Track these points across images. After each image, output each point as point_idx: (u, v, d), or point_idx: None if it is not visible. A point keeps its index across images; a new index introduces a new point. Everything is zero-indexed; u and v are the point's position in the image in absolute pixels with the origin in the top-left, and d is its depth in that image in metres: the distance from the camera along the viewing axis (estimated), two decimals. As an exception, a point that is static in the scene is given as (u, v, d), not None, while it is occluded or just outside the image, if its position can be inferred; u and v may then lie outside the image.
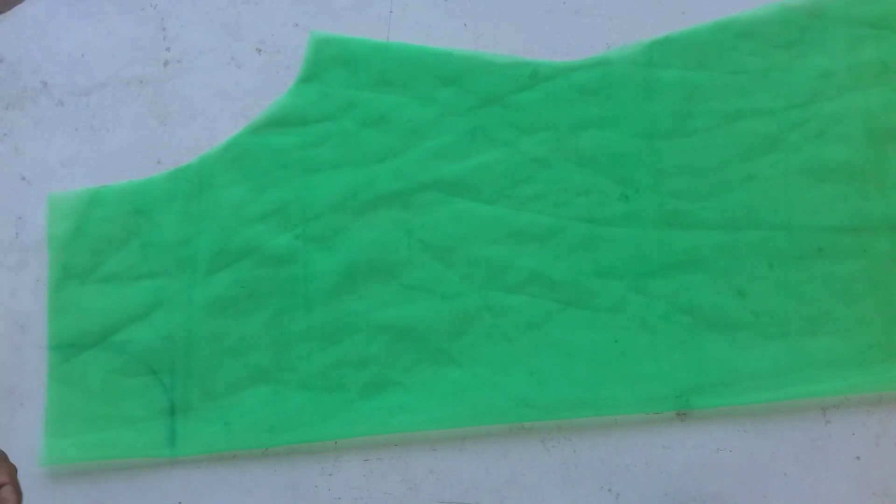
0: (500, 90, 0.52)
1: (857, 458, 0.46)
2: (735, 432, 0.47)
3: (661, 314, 0.49)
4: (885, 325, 0.47)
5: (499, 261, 0.50)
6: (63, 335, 0.52)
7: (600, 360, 0.48)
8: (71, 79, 0.57)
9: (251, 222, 0.52)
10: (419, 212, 0.51)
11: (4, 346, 0.53)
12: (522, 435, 0.48)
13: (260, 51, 0.56)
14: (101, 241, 0.53)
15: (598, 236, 0.50)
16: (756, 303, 0.48)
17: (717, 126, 0.50)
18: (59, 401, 0.51)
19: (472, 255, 0.50)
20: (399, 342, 0.50)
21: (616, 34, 0.53)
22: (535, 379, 0.48)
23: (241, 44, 0.56)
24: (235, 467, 0.50)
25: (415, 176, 0.52)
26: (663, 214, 0.50)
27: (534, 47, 0.53)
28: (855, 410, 0.47)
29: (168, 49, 0.57)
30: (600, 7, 0.53)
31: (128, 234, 0.53)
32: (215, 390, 0.50)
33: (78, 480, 0.50)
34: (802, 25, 0.51)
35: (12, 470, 0.43)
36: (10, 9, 0.59)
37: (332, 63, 0.54)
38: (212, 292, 0.51)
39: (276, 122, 0.53)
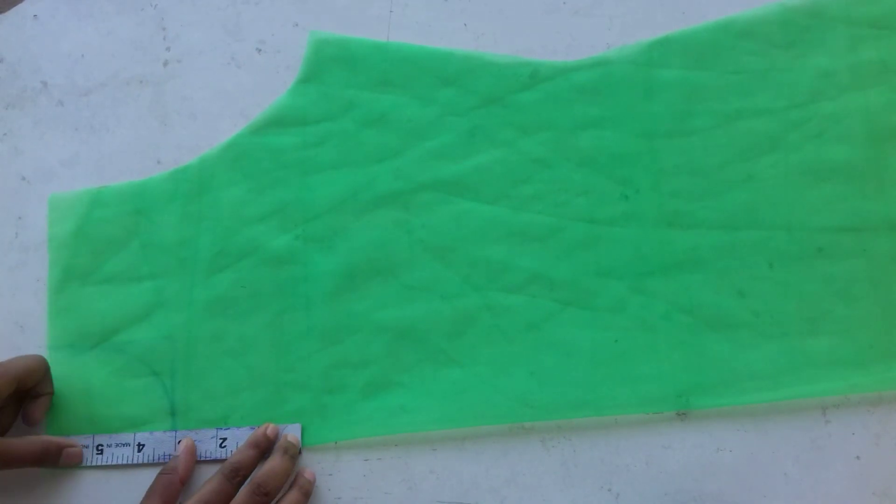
0: (500, 90, 0.52)
1: (857, 457, 0.46)
2: (735, 432, 0.47)
3: (661, 314, 0.49)
4: (885, 325, 0.47)
5: (499, 261, 0.50)
6: (63, 336, 0.52)
7: (600, 360, 0.48)
8: (71, 79, 0.57)
9: (251, 222, 0.52)
10: (419, 212, 0.51)
11: (4, 346, 0.53)
12: (522, 435, 0.48)
13: (260, 51, 0.56)
14: (101, 242, 0.53)
15: (598, 236, 0.50)
16: (756, 303, 0.48)
17: (717, 126, 0.50)
18: (58, 401, 0.51)
19: (473, 255, 0.50)
20: (399, 342, 0.50)
21: (616, 34, 0.53)
22: (535, 379, 0.48)
23: (241, 44, 0.56)
24: (235, 467, 0.50)
25: (415, 176, 0.52)
26: (663, 214, 0.50)
27: (534, 47, 0.53)
28: (855, 410, 0.47)
29: (168, 49, 0.57)
30: (600, 7, 0.53)
31: (128, 235, 0.53)
32: (215, 391, 0.50)
33: (78, 480, 0.50)
34: (802, 25, 0.51)
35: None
36: (9, 9, 0.59)
37: (331, 63, 0.54)
38: (212, 293, 0.51)
39: (276, 123, 0.53)
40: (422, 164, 0.52)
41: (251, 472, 0.47)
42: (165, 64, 0.56)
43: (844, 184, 0.49)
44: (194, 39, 0.57)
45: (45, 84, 0.57)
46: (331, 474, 0.49)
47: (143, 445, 0.50)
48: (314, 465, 0.49)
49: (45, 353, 0.52)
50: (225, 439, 0.49)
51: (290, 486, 0.47)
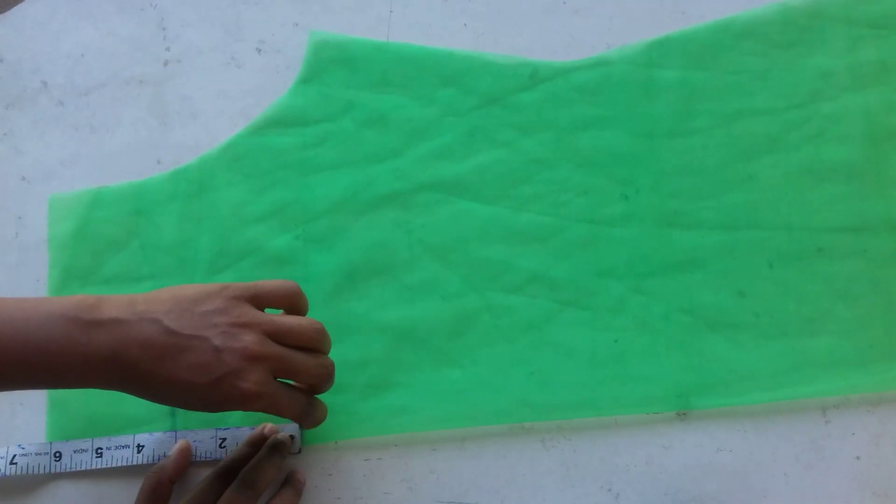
0: (500, 90, 0.52)
1: (857, 458, 0.46)
2: (735, 432, 0.47)
3: (661, 314, 0.49)
4: (885, 325, 0.47)
5: (499, 261, 0.50)
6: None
7: (600, 360, 0.48)
8: (71, 79, 0.57)
9: (251, 223, 0.52)
10: (419, 212, 0.51)
11: (4, 346, 0.53)
12: (522, 435, 0.48)
13: (260, 51, 0.56)
14: (101, 243, 0.53)
15: (598, 236, 0.50)
16: (756, 303, 0.48)
17: (717, 126, 0.50)
18: (60, 403, 0.51)
19: (472, 255, 0.50)
20: (399, 342, 0.50)
21: (616, 34, 0.53)
22: (534, 379, 0.48)
23: (241, 44, 0.56)
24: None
25: (415, 176, 0.52)
26: (663, 214, 0.50)
27: (534, 47, 0.53)
28: (855, 410, 0.47)
29: (168, 49, 0.57)
30: (600, 7, 0.53)
31: (128, 235, 0.53)
32: (215, 391, 0.50)
33: (78, 480, 0.50)
34: (802, 25, 0.51)
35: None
36: (9, 9, 0.59)
37: (331, 63, 0.54)
38: (212, 293, 0.51)
39: (276, 123, 0.53)
40: (422, 164, 0.52)
41: None
42: (165, 64, 0.56)
43: (844, 184, 0.49)
44: (194, 39, 0.57)
45: (45, 84, 0.57)
46: (331, 474, 0.49)
47: (143, 447, 0.49)
48: (314, 465, 0.49)
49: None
50: (224, 439, 0.49)
51: (283, 485, 0.47)
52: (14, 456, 0.49)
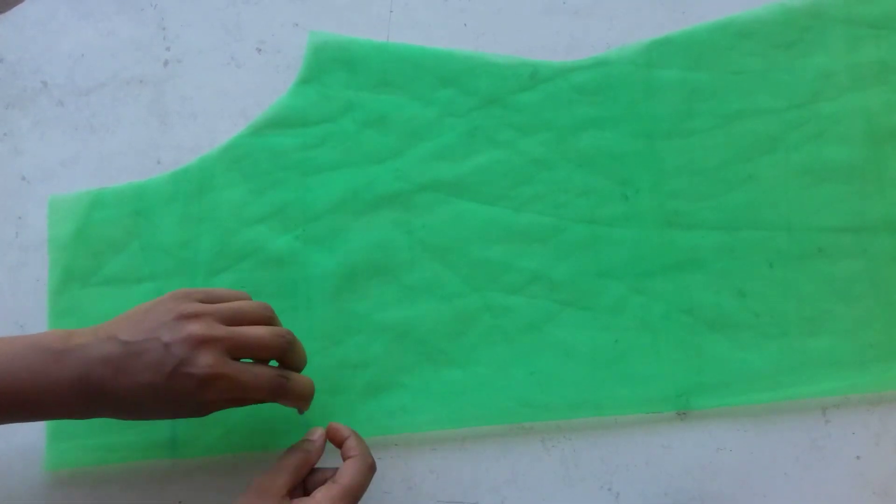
0: (500, 90, 0.52)
1: (857, 457, 0.46)
2: (735, 432, 0.47)
3: (661, 314, 0.49)
4: (885, 325, 0.47)
5: (499, 261, 0.50)
6: (64, 337, 0.52)
7: (600, 360, 0.48)
8: (71, 79, 0.57)
9: (251, 223, 0.52)
10: (419, 212, 0.51)
11: (5, 346, 0.53)
12: (522, 435, 0.48)
13: (260, 51, 0.56)
14: (101, 244, 0.53)
15: (599, 237, 0.50)
16: (756, 303, 0.48)
17: (717, 126, 0.50)
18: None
19: (473, 255, 0.50)
20: (399, 343, 0.50)
21: (616, 34, 0.53)
22: (535, 379, 0.48)
23: (241, 44, 0.56)
24: (235, 467, 0.50)
25: (415, 176, 0.52)
26: (663, 214, 0.50)
27: (534, 47, 0.53)
28: (855, 410, 0.47)
29: (168, 49, 0.57)
30: (600, 7, 0.53)
31: (128, 236, 0.53)
32: (216, 391, 0.50)
33: (78, 481, 0.50)
34: (802, 25, 0.51)
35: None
36: (10, 9, 0.59)
37: (331, 64, 0.54)
38: (212, 293, 0.51)
39: (276, 124, 0.53)
40: (422, 164, 0.52)
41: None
42: (165, 64, 0.56)
43: (844, 184, 0.49)
44: (194, 39, 0.56)
45: (45, 84, 0.57)
46: (331, 474, 0.49)
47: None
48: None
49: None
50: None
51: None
52: None
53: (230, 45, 0.56)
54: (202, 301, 0.43)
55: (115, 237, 0.53)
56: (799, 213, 0.49)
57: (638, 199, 0.50)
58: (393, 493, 0.48)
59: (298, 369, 0.45)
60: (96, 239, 0.53)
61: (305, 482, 0.44)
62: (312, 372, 0.49)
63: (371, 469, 0.43)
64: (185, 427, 0.50)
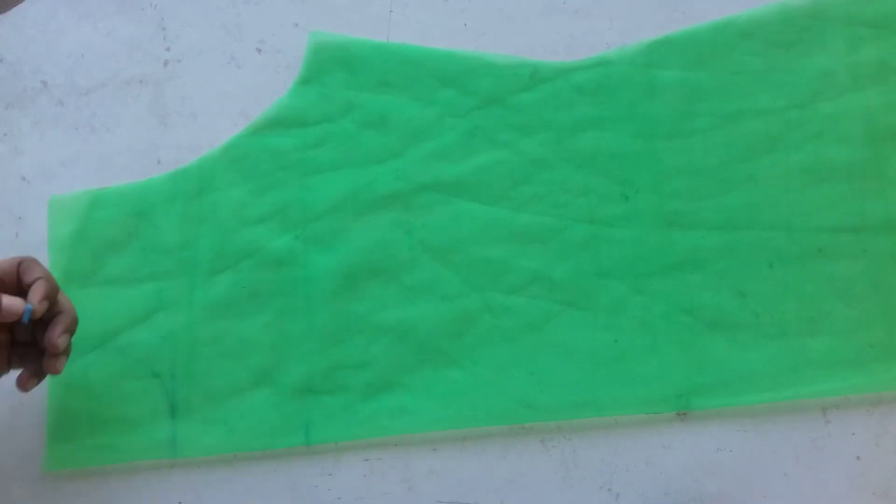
0: (500, 90, 0.52)
1: (857, 458, 0.46)
2: (735, 432, 0.47)
3: (661, 314, 0.49)
4: (885, 325, 0.47)
5: (499, 262, 0.50)
6: (64, 338, 0.52)
7: (600, 360, 0.48)
8: (71, 79, 0.57)
9: (251, 224, 0.52)
10: (419, 213, 0.51)
11: (5, 346, 0.53)
12: (522, 435, 0.49)
13: (260, 51, 0.56)
14: (101, 244, 0.53)
15: (599, 237, 0.50)
16: (756, 303, 0.48)
17: (717, 126, 0.50)
18: (60, 404, 0.51)
19: (473, 256, 0.50)
20: (399, 343, 0.50)
21: (616, 34, 0.53)
22: (535, 380, 0.48)
23: (241, 44, 0.56)
24: (235, 467, 0.50)
25: (415, 177, 0.52)
26: (663, 214, 0.50)
27: (534, 47, 0.53)
28: (855, 410, 0.47)
29: (168, 49, 0.57)
30: (600, 7, 0.53)
31: (128, 237, 0.53)
32: (216, 392, 0.50)
33: (77, 480, 0.50)
34: (802, 25, 0.51)
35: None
36: (10, 9, 0.59)
37: (331, 64, 0.54)
38: (212, 294, 0.51)
39: (276, 124, 0.53)
40: (422, 164, 0.52)
41: None
42: (165, 64, 0.56)
43: (844, 184, 0.49)
44: (194, 39, 0.57)
45: (45, 84, 0.57)
46: (331, 474, 0.49)
47: None
48: (314, 465, 0.49)
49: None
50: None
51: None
52: None
53: (230, 45, 0.56)
54: None
55: (115, 237, 0.53)
56: (799, 213, 0.49)
57: (638, 199, 0.50)
58: (393, 493, 0.48)
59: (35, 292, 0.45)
60: (96, 239, 0.53)
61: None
62: (313, 373, 0.50)
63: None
64: (185, 427, 0.50)
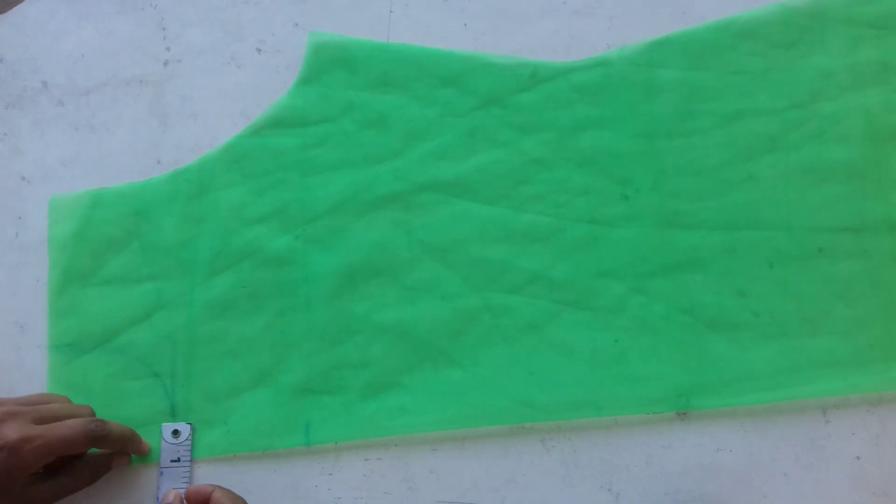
0: (500, 90, 0.52)
1: (857, 458, 0.46)
2: (735, 432, 0.47)
3: (661, 314, 0.49)
4: (885, 325, 0.47)
5: (499, 261, 0.50)
6: (64, 338, 0.52)
7: (600, 360, 0.48)
8: (71, 79, 0.57)
9: (251, 223, 0.52)
10: (419, 213, 0.51)
11: (4, 346, 0.53)
12: (522, 435, 0.49)
13: (260, 51, 0.56)
14: (101, 244, 0.53)
15: (599, 237, 0.50)
16: (756, 303, 0.48)
17: (717, 126, 0.50)
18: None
19: (473, 255, 0.50)
20: (399, 343, 0.50)
21: (616, 34, 0.53)
22: (535, 379, 0.48)
23: (241, 44, 0.56)
24: (235, 467, 0.50)
25: (415, 176, 0.52)
26: (663, 214, 0.50)
27: (534, 47, 0.53)
28: (855, 410, 0.47)
29: (168, 49, 0.57)
30: (600, 7, 0.53)
31: (128, 237, 0.53)
32: (216, 392, 0.50)
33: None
34: (802, 25, 0.51)
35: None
36: (10, 9, 0.59)
37: (331, 64, 0.54)
38: (212, 294, 0.51)
39: (276, 124, 0.53)
40: (422, 164, 0.52)
41: None
42: (165, 64, 0.56)
43: (844, 184, 0.49)
44: (194, 39, 0.57)
45: (45, 84, 0.57)
46: (331, 474, 0.49)
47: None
48: (314, 465, 0.49)
49: (44, 352, 0.52)
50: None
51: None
52: None
53: (230, 45, 0.56)
54: (20, 405, 0.45)
55: (115, 237, 0.53)
56: (799, 213, 0.49)
57: (638, 199, 0.50)
58: (393, 493, 0.48)
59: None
60: (96, 239, 0.53)
61: None
62: (312, 373, 0.50)
63: None
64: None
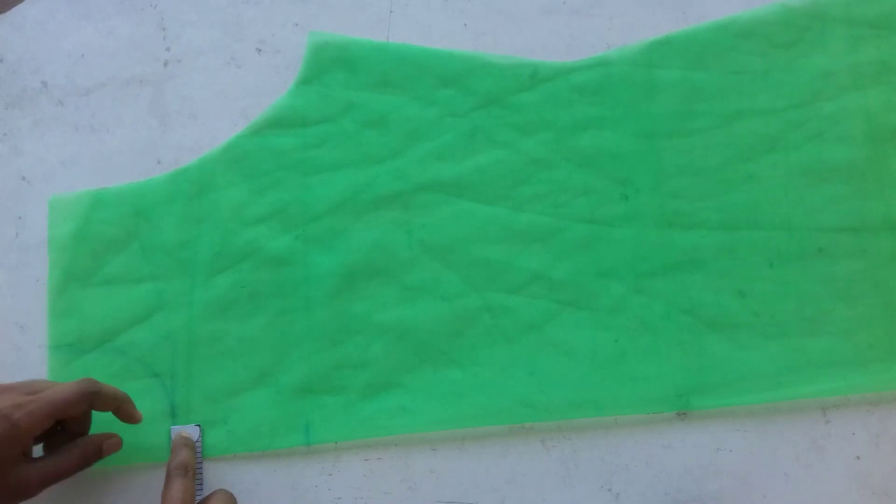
0: (500, 90, 0.52)
1: (857, 457, 0.46)
2: (735, 432, 0.47)
3: (661, 314, 0.49)
4: (885, 325, 0.47)
5: (499, 261, 0.50)
6: (64, 338, 0.52)
7: (600, 360, 0.48)
8: (71, 79, 0.57)
9: (251, 224, 0.52)
10: (419, 213, 0.51)
11: (4, 346, 0.53)
12: (522, 435, 0.49)
13: (260, 51, 0.56)
14: (101, 244, 0.53)
15: (599, 237, 0.50)
16: (756, 303, 0.48)
17: (717, 126, 0.50)
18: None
19: (473, 255, 0.50)
20: (399, 343, 0.50)
21: (616, 34, 0.53)
22: (535, 379, 0.48)
23: (241, 44, 0.56)
24: (235, 467, 0.50)
25: (415, 177, 0.52)
26: (663, 214, 0.50)
27: (534, 47, 0.53)
28: (855, 410, 0.47)
29: (168, 49, 0.57)
30: (600, 7, 0.53)
31: (128, 237, 0.53)
32: (216, 393, 0.50)
33: (76, 480, 0.50)
34: (802, 25, 0.51)
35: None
36: (10, 9, 0.59)
37: (331, 64, 0.54)
38: (212, 294, 0.51)
39: (276, 124, 0.53)
40: (422, 164, 0.52)
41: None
42: (165, 64, 0.56)
43: (844, 184, 0.49)
44: (194, 39, 0.57)
45: (45, 84, 0.57)
46: (331, 474, 0.49)
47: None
48: (314, 465, 0.49)
49: (44, 352, 0.52)
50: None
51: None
52: None
53: (230, 45, 0.56)
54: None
55: (115, 237, 0.53)
56: (799, 213, 0.49)
57: (638, 199, 0.50)
58: (393, 493, 0.48)
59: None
60: (96, 239, 0.53)
61: None
62: (312, 372, 0.50)
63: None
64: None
